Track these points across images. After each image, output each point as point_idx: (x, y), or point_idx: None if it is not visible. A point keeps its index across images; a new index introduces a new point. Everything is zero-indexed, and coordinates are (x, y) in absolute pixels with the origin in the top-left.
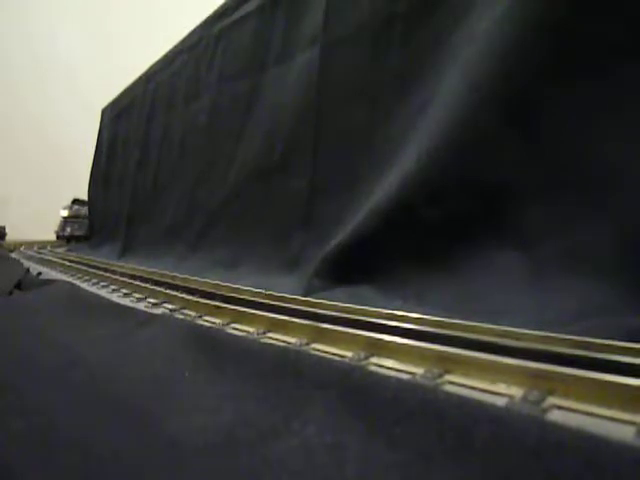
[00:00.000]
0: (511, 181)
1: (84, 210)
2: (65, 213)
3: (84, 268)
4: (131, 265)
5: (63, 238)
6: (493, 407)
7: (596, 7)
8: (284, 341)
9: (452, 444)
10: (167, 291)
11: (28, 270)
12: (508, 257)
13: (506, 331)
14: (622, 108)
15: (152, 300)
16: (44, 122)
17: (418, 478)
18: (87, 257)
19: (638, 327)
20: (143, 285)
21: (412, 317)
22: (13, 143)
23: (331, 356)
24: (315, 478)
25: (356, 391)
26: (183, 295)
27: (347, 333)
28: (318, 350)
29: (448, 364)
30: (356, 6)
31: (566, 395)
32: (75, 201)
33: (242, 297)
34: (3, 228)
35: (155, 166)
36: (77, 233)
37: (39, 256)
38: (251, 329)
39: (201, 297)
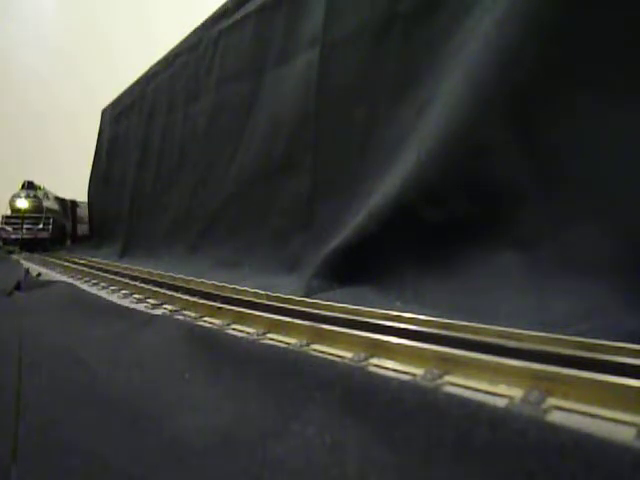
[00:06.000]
0: (511, 181)
1: (48, 201)
2: (24, 204)
3: (84, 269)
4: (131, 265)
5: (15, 242)
6: (493, 408)
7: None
8: (284, 342)
9: (452, 445)
10: (167, 292)
11: (28, 271)
12: (508, 258)
13: (506, 332)
14: (622, 109)
15: (152, 301)
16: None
17: (418, 479)
18: (87, 257)
19: (637, 328)
20: (143, 286)
21: (412, 318)
22: (15, 142)
23: (331, 357)
24: (315, 479)
25: (356, 392)
26: (184, 296)
27: (347, 334)
28: (318, 351)
29: (448, 365)
30: (356, 7)
31: (566, 396)
32: (29, 185)
33: (242, 298)
34: None
35: (155, 166)
36: (42, 235)
37: (39, 256)
38: (251, 330)
39: (201, 298)
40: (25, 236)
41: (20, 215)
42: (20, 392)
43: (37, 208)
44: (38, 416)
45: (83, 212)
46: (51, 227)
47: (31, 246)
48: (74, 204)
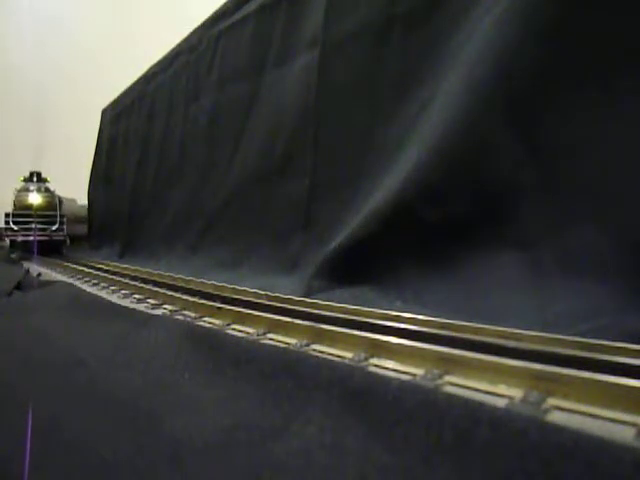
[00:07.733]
0: (511, 181)
1: (55, 198)
2: (36, 199)
3: (84, 269)
4: (131, 266)
5: (25, 245)
6: (493, 408)
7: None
8: (284, 342)
9: (452, 445)
10: (167, 292)
11: (28, 271)
12: (508, 258)
13: (506, 332)
14: (622, 109)
15: (152, 301)
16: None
17: (418, 479)
18: (87, 258)
19: (637, 328)
20: (143, 286)
21: (412, 318)
22: (10, 141)
23: (331, 357)
24: (315, 479)
25: (356, 392)
26: (183, 296)
27: (347, 334)
28: (318, 351)
29: (448, 365)
30: (356, 7)
31: (566, 396)
32: (38, 177)
33: (242, 298)
34: None
35: (155, 166)
36: (58, 237)
37: (39, 256)
38: (251, 330)
39: (201, 298)
40: (39, 238)
41: (32, 213)
42: (21, 391)
43: (51, 205)
44: (39, 414)
45: (68, 210)
46: (66, 227)
47: (45, 250)
48: (59, 200)
